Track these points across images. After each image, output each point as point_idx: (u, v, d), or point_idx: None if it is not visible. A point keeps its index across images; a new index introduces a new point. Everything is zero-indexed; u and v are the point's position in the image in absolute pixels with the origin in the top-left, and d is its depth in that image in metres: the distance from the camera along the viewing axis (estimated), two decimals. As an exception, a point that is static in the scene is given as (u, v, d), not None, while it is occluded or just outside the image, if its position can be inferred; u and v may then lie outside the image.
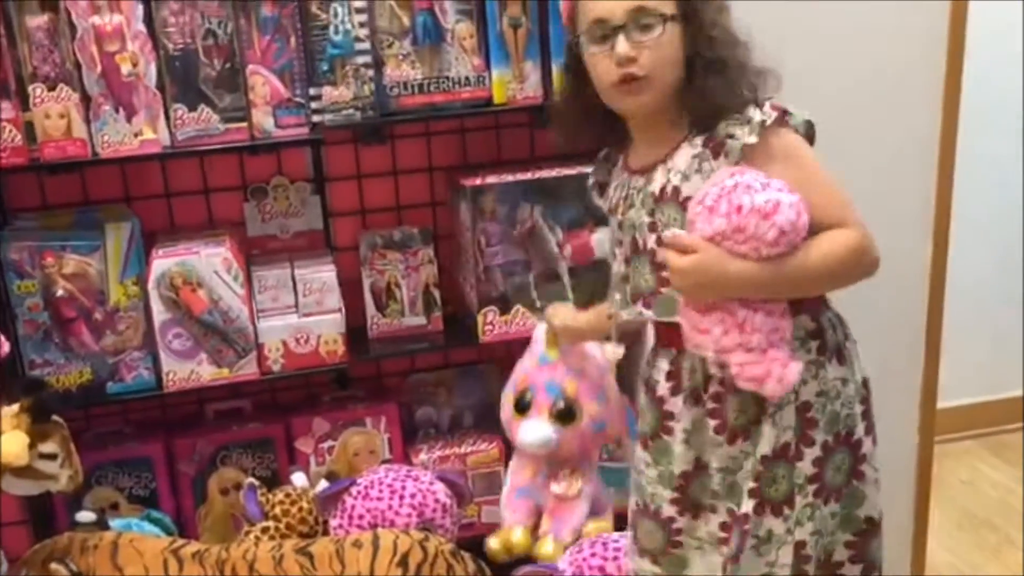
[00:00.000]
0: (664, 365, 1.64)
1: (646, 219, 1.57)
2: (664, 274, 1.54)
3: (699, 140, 1.51)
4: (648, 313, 1.61)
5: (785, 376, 1.46)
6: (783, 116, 1.47)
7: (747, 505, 1.55)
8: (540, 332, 2.12)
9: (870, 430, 1.60)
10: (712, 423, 1.58)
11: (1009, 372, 3.17)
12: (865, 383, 1.60)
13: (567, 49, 1.64)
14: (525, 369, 2.12)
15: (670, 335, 1.60)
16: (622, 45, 1.46)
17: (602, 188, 1.74)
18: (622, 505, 2.35)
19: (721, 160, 1.48)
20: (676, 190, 1.52)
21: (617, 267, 1.68)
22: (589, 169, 2.23)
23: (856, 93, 1.98)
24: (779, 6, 1.87)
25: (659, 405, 1.65)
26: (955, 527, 2.72)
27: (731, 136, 1.47)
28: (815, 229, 1.46)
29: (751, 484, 1.55)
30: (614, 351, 2.04)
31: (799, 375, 1.48)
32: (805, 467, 1.53)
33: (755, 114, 1.46)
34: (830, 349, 1.55)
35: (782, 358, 1.46)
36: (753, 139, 1.45)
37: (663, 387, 1.63)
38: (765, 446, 1.54)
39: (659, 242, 1.55)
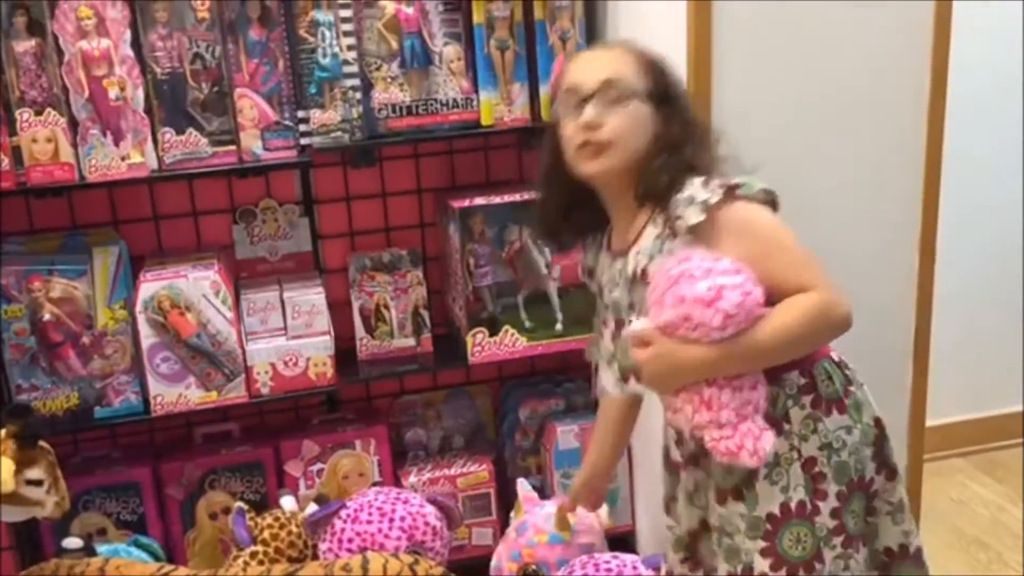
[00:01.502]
0: (672, 432, 1.68)
1: (626, 300, 1.60)
2: None
3: (660, 219, 1.53)
4: (639, 388, 1.63)
5: (758, 448, 1.46)
6: (732, 190, 1.47)
7: (761, 565, 1.54)
8: (550, 509, 2.14)
9: (883, 467, 1.60)
10: (711, 483, 1.61)
11: (998, 389, 3.17)
12: (877, 423, 1.60)
13: (546, 132, 1.68)
14: (529, 542, 2.14)
15: None
16: (588, 111, 1.52)
17: (591, 272, 1.76)
18: (617, 524, 2.36)
19: (677, 240, 1.50)
20: (644, 272, 1.54)
21: (606, 345, 1.71)
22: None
23: (839, 97, 1.99)
24: (762, 6, 1.88)
25: (674, 470, 1.70)
26: (946, 546, 2.71)
27: (679, 217, 1.48)
28: (777, 297, 1.46)
29: (762, 544, 1.53)
30: (607, 518, 2.21)
31: (773, 445, 1.47)
32: (825, 521, 1.53)
33: (700, 193, 1.46)
34: (826, 401, 1.55)
35: (754, 430, 1.47)
36: (699, 218, 1.45)
37: (675, 452, 1.69)
38: (768, 505, 1.53)
39: None
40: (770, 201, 1.51)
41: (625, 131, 1.52)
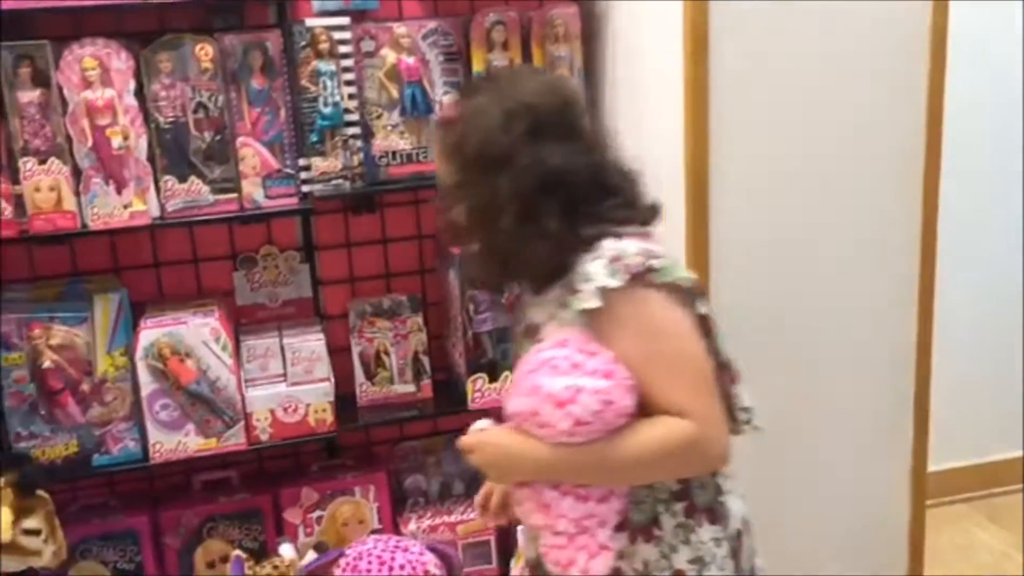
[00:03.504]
0: None
1: (518, 350, 1.50)
2: None
3: (565, 281, 1.37)
4: None
5: (590, 567, 1.35)
6: (641, 276, 1.31)
7: None
8: None
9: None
10: None
11: (999, 434, 3.16)
12: (739, 535, 1.47)
13: None
14: None
15: None
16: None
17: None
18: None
19: (568, 314, 1.35)
20: (536, 328, 1.42)
21: None
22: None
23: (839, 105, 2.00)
24: (760, 7, 1.90)
25: None
26: (951, 593, 2.70)
27: (576, 291, 1.33)
28: (652, 408, 1.33)
29: None
30: None
31: (606, 568, 1.36)
32: None
33: (601, 274, 1.31)
34: (700, 509, 1.42)
35: (591, 546, 1.36)
36: (593, 305, 1.31)
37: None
38: None
39: None
40: (688, 292, 1.36)
41: (462, 223, 1.42)
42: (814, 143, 2.00)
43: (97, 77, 1.96)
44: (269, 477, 2.37)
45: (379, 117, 2.17)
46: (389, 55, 2.16)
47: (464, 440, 1.44)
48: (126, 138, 1.99)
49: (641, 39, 2.11)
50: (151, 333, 2.05)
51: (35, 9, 1.93)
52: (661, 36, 1.98)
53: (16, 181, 1.96)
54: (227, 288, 2.30)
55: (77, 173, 1.99)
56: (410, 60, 2.17)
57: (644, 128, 2.14)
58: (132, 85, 2.00)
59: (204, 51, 2.03)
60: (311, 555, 2.13)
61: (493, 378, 2.25)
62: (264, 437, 2.14)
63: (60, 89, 1.96)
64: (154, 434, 2.07)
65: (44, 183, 1.96)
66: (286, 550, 2.17)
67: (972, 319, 3.04)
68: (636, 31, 2.13)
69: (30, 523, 1.74)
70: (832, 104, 1.99)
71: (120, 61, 1.98)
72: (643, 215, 1.42)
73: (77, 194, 1.99)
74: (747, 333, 2.04)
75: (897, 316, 2.13)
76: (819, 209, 2.03)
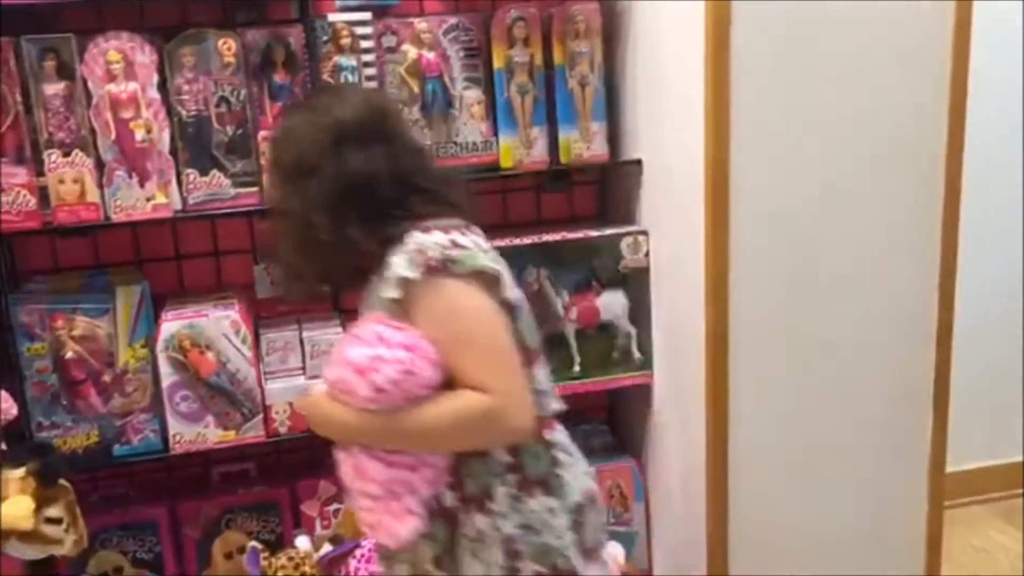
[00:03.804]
0: None
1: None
2: None
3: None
4: None
5: (397, 531, 1.44)
6: (439, 268, 1.42)
7: None
8: None
9: (590, 553, 1.55)
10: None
11: (1017, 436, 3.14)
12: (578, 508, 1.54)
13: None
14: None
15: None
16: None
17: None
18: (634, 569, 2.34)
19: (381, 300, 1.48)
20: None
21: None
22: (595, 233, 2.27)
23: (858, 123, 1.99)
24: (782, 5, 1.89)
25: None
26: (968, 595, 2.69)
27: (386, 279, 1.45)
28: (458, 385, 1.43)
29: None
30: (624, 562, 2.26)
31: (411, 533, 1.45)
32: None
33: (402, 265, 1.43)
34: (532, 481, 1.51)
35: (397, 511, 1.44)
36: (394, 295, 1.44)
37: None
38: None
39: None
40: (488, 279, 1.46)
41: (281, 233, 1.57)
42: (835, 140, 1.99)
43: (121, 70, 1.98)
44: (287, 470, 2.38)
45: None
46: (410, 50, 2.17)
47: (297, 402, 1.53)
48: (149, 131, 2.00)
49: (662, 36, 2.11)
50: (172, 325, 2.06)
51: (60, 3, 1.95)
52: (682, 33, 1.98)
53: (41, 173, 1.98)
54: (247, 281, 2.31)
55: (100, 165, 2.00)
56: (431, 56, 2.17)
57: (665, 125, 2.14)
58: (155, 79, 2.01)
59: (227, 46, 2.04)
60: (327, 547, 2.14)
61: (510, 374, 2.25)
62: (283, 430, 2.15)
63: (84, 82, 1.97)
64: (174, 425, 2.09)
65: (68, 175, 1.98)
66: (302, 542, 2.19)
67: (992, 318, 3.02)
68: (657, 28, 2.13)
69: (52, 512, 1.75)
70: (854, 100, 1.98)
71: (144, 55, 1.99)
72: (455, 210, 1.54)
73: (100, 186, 2.01)
74: (765, 331, 2.05)
75: (917, 315, 2.12)
76: (840, 206, 2.03)
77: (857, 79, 1.98)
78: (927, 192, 2.07)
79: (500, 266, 1.51)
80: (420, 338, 1.42)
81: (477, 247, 1.48)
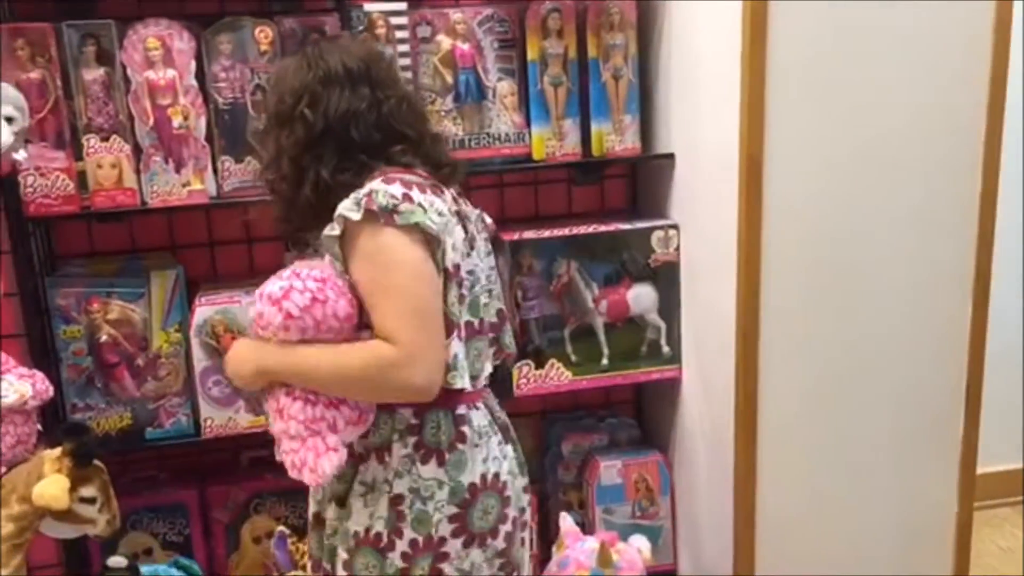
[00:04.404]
0: None
1: None
2: None
3: None
4: None
5: (319, 465, 1.46)
6: (381, 213, 1.44)
7: (341, 574, 1.58)
8: (592, 544, 2.14)
9: (461, 532, 1.56)
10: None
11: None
12: (472, 488, 1.56)
13: None
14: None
15: None
16: None
17: None
18: (659, 562, 2.35)
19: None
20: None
21: None
22: (626, 226, 2.27)
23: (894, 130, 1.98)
24: (819, 7, 1.88)
25: None
26: (994, 595, 2.67)
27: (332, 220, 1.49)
28: (376, 335, 1.46)
29: (344, 556, 1.57)
30: (650, 556, 2.25)
31: (334, 468, 1.46)
32: (395, 560, 1.54)
33: (347, 205, 1.46)
34: (427, 448, 1.54)
35: (319, 447, 1.46)
36: (333, 232, 1.47)
37: None
38: (356, 523, 1.56)
39: None
40: (427, 236, 1.47)
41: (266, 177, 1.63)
42: (871, 138, 1.98)
43: (160, 57, 2.00)
44: (315, 456, 2.39)
45: (433, 102, 2.18)
46: (444, 41, 2.17)
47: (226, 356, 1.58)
48: (186, 118, 2.02)
49: (698, 30, 2.10)
50: (205, 311, 2.08)
51: (101, -11, 1.97)
52: (719, 28, 1.97)
53: (79, 157, 2.00)
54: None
55: (138, 151, 2.03)
56: (465, 46, 2.18)
57: (699, 120, 2.14)
58: (193, 66, 2.03)
59: (263, 34, 2.05)
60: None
61: (539, 365, 2.27)
62: (312, 416, 2.16)
63: (123, 68, 1.99)
64: (206, 409, 2.11)
65: (106, 160, 2.00)
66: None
67: (1022, 319, 2.99)
68: (693, 22, 2.12)
69: (86, 491, 1.77)
70: (890, 97, 1.97)
71: (182, 42, 2.01)
72: (432, 164, 1.56)
73: (137, 172, 2.03)
74: (796, 328, 2.04)
75: (950, 316, 2.11)
76: (874, 203, 2.02)
77: (894, 76, 1.97)
78: (963, 189, 2.05)
79: (448, 231, 1.50)
80: (333, 273, 1.47)
81: (431, 206, 1.48)
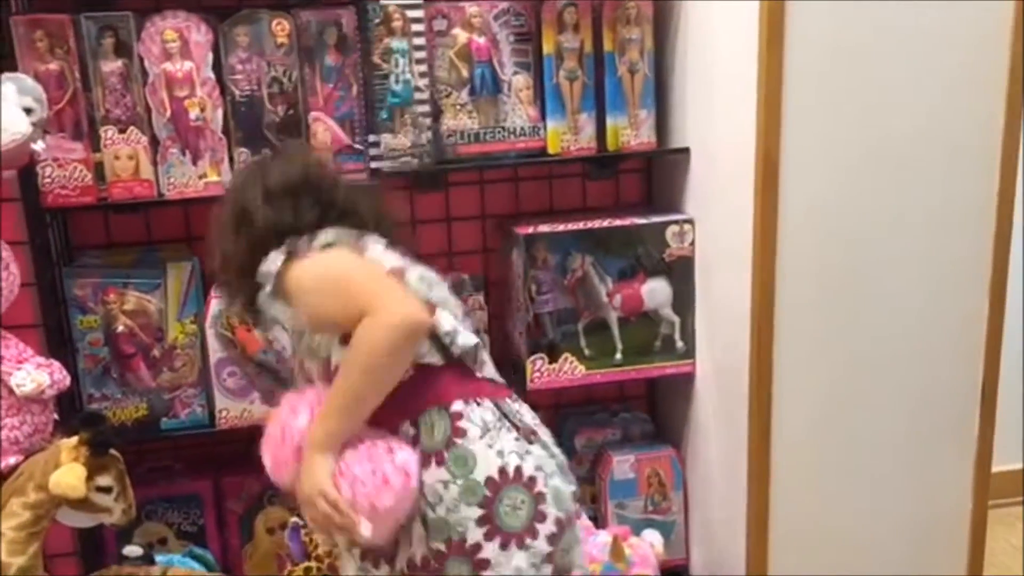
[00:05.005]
0: None
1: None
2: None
3: None
4: None
5: (401, 463, 1.49)
6: (297, 252, 1.55)
7: None
8: (605, 539, 2.15)
9: (494, 535, 1.50)
10: None
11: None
12: (489, 483, 1.51)
13: None
14: (585, 572, 2.10)
15: None
16: None
17: None
18: (672, 557, 2.35)
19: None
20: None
21: None
22: (641, 221, 2.27)
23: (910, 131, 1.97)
24: (837, 7, 1.88)
25: None
26: (1008, 594, 2.66)
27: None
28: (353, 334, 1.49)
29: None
30: (663, 550, 2.32)
31: (392, 499, 1.47)
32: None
33: (270, 261, 1.56)
34: (428, 454, 1.52)
35: (385, 466, 1.49)
36: (269, 287, 1.56)
37: None
38: (401, 561, 1.55)
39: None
40: (348, 245, 1.58)
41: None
42: (888, 135, 1.97)
43: (177, 49, 2.00)
44: (329, 448, 2.40)
45: (449, 96, 2.18)
46: (460, 35, 2.17)
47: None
48: (203, 110, 2.03)
49: (714, 25, 2.09)
50: (220, 302, 2.09)
51: (119, -19, 1.98)
52: (736, 23, 1.96)
53: (97, 149, 2.01)
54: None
55: (155, 143, 2.03)
56: (481, 40, 2.18)
57: (714, 115, 2.13)
58: (210, 58, 2.03)
59: (280, 26, 2.06)
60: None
61: (553, 359, 2.27)
62: (326, 408, 2.17)
63: (141, 60, 2.00)
64: (221, 400, 2.12)
65: (123, 151, 2.01)
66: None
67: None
68: (710, 17, 2.11)
69: (103, 480, 1.79)
70: (907, 95, 1.96)
71: (199, 34, 2.02)
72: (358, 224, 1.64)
73: (154, 163, 2.04)
74: (812, 325, 2.04)
75: (967, 313, 2.10)
76: (890, 200, 2.01)
77: (911, 75, 1.96)
78: (980, 188, 2.04)
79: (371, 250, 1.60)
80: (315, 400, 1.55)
81: (337, 238, 1.59)
